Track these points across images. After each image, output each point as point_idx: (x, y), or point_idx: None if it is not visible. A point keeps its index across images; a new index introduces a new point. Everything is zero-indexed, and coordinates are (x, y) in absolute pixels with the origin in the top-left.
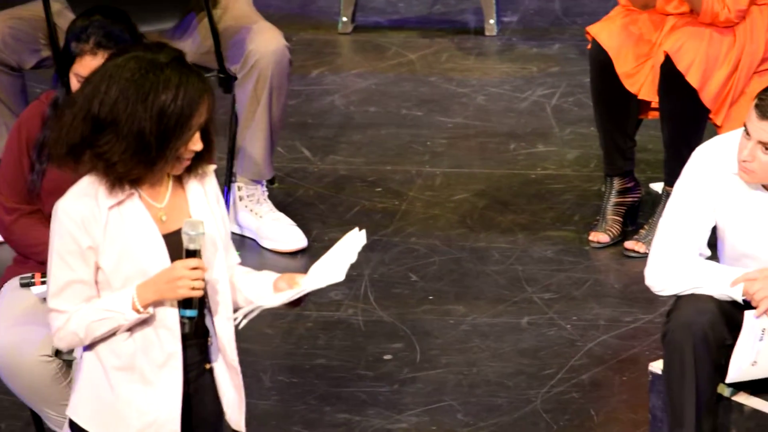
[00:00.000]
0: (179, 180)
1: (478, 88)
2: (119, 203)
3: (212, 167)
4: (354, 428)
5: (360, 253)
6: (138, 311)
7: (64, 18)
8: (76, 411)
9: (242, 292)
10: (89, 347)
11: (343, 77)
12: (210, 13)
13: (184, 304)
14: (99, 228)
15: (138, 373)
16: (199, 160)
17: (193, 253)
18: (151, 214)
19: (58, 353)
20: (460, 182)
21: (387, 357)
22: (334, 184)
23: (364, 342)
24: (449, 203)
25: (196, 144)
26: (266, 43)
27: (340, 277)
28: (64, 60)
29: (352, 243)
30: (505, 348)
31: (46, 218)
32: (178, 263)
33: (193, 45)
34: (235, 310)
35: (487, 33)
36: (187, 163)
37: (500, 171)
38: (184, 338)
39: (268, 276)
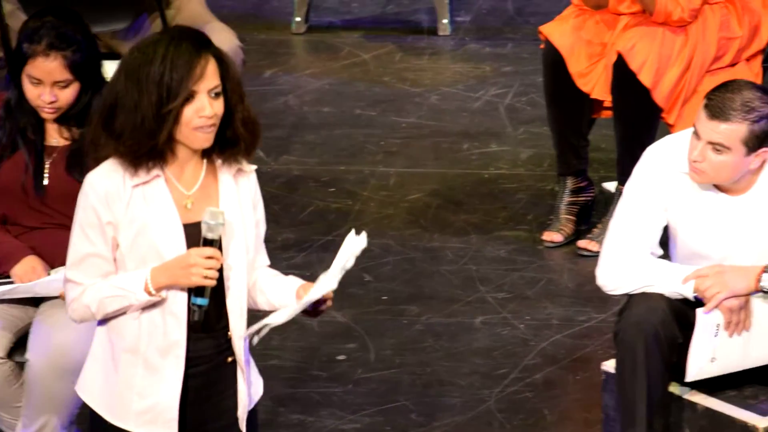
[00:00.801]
0: (214, 172)
1: (432, 88)
2: (145, 183)
3: (252, 167)
4: (308, 429)
5: (313, 253)
6: (150, 293)
7: (16, 19)
8: (82, 387)
9: (266, 295)
10: (102, 324)
11: (297, 77)
12: (163, 13)
13: (197, 292)
14: (121, 205)
15: (142, 357)
16: (235, 149)
17: (211, 243)
18: (175, 198)
19: (10, 355)
20: (413, 182)
21: (341, 357)
22: (287, 184)
23: (317, 342)
24: (403, 203)
25: (204, 109)
26: (219, 43)
27: (333, 285)
28: (16, 61)
29: (352, 247)
30: (459, 348)
31: None
32: (194, 250)
33: None
34: (258, 312)
35: (440, 33)
36: (207, 134)
37: (454, 171)
38: (198, 328)
39: (293, 282)
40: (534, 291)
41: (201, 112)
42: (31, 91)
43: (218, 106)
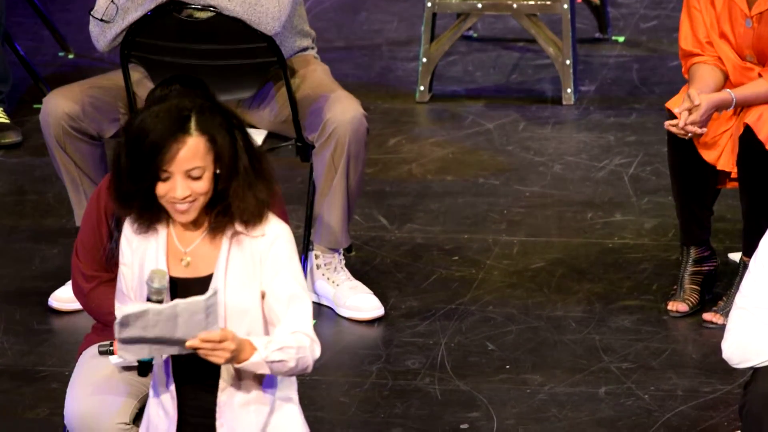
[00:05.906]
0: (217, 233)
1: (555, 157)
2: (145, 232)
3: (263, 232)
4: None
5: (436, 321)
6: None
7: (144, 87)
8: None
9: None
10: None
11: (421, 146)
12: (288, 82)
13: None
14: (129, 250)
15: (157, 388)
16: (226, 218)
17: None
18: (172, 253)
19: (135, 421)
20: (537, 251)
21: (464, 426)
22: (411, 252)
23: (440, 411)
24: (526, 272)
25: (174, 190)
26: (344, 111)
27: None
28: None
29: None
30: (583, 418)
31: None
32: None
33: (271, 114)
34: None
35: (564, 102)
36: (184, 211)
37: (577, 240)
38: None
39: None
40: (658, 361)
41: (171, 192)
42: None
43: (199, 186)
